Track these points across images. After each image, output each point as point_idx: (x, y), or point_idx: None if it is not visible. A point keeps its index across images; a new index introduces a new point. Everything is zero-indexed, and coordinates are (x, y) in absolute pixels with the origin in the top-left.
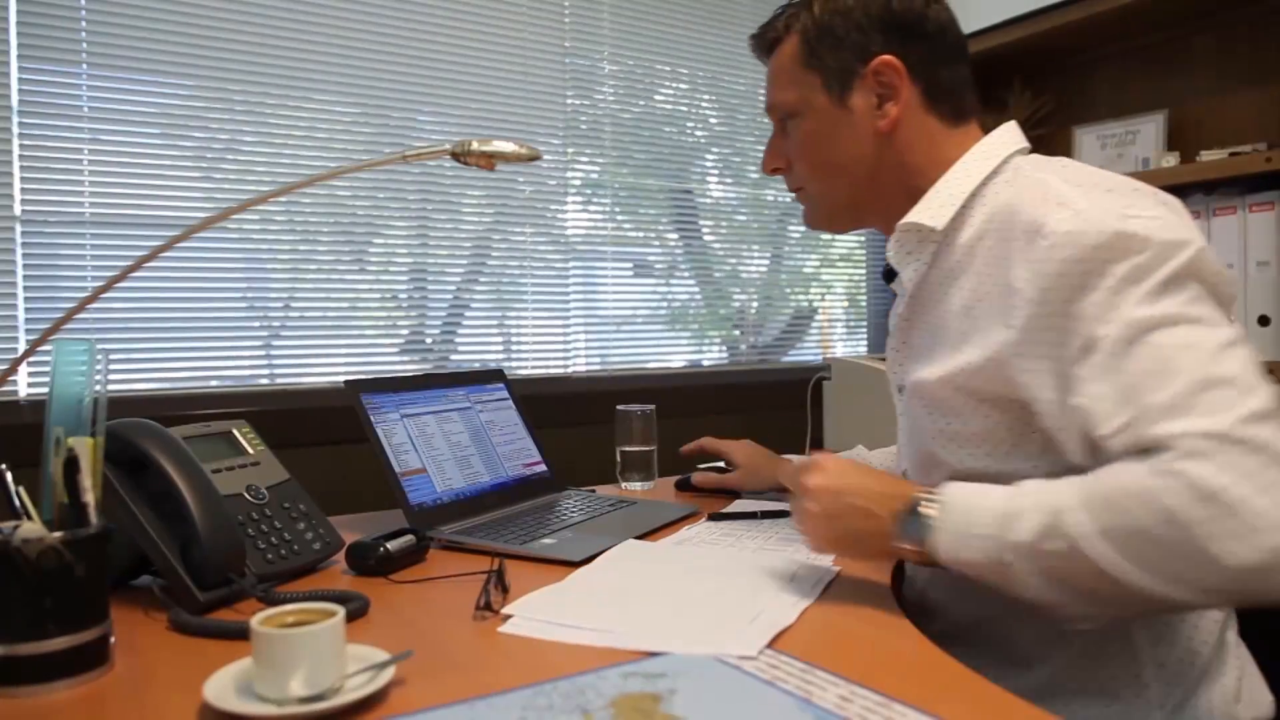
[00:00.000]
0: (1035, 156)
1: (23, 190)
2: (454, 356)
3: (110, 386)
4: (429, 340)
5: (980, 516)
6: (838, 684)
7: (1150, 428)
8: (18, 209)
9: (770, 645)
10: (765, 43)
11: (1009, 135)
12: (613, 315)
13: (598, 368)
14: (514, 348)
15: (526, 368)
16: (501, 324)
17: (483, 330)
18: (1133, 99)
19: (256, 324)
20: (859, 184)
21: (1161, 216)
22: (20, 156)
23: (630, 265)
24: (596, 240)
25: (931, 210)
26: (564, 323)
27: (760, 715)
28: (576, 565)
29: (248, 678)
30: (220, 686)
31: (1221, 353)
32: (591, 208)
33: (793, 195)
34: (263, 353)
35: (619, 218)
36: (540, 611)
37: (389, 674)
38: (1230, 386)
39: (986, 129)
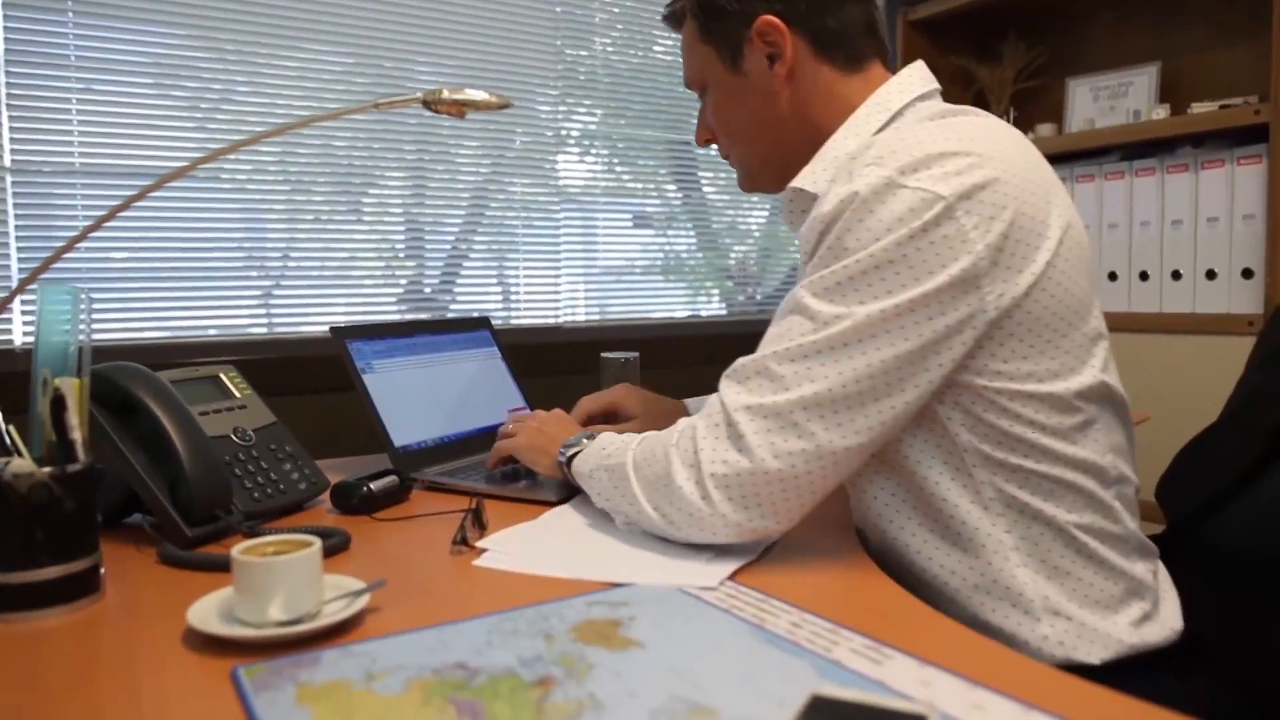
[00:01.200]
0: (928, 105)
1: (11, 140)
2: (454, 306)
3: (108, 335)
4: (428, 290)
5: (602, 443)
6: (790, 611)
7: (723, 379)
8: (7, 159)
9: (731, 578)
10: (671, 21)
11: (909, 81)
12: (610, 266)
13: (596, 318)
14: (511, 298)
15: (523, 318)
16: (500, 275)
17: (479, 281)
18: (1127, 51)
19: (254, 273)
20: (771, 145)
21: (911, 205)
22: (8, 106)
23: (628, 216)
24: (595, 191)
25: (814, 174)
26: (555, 273)
27: (713, 639)
28: (553, 505)
29: (230, 604)
30: (204, 611)
31: (795, 354)
32: (589, 159)
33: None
34: (260, 303)
35: (617, 169)
36: (514, 546)
37: (364, 601)
38: (772, 381)
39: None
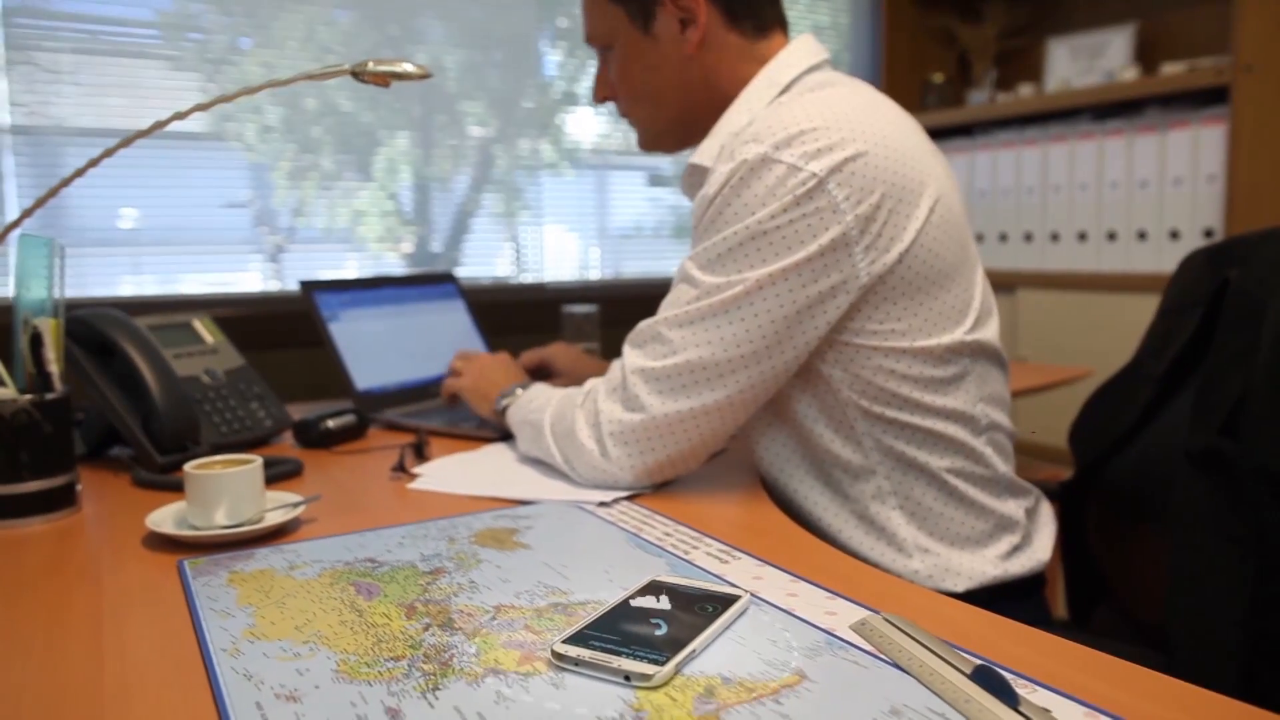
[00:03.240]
0: (815, 77)
1: (11, 101)
2: (464, 262)
3: (116, 291)
4: (435, 248)
5: (530, 397)
6: (666, 524)
7: (626, 341)
8: (7, 119)
9: (629, 499)
10: None
11: (797, 55)
12: (620, 226)
13: (602, 277)
14: (503, 256)
15: (521, 277)
16: (512, 234)
17: (481, 241)
18: (1106, 9)
19: (264, 230)
20: (675, 108)
21: (783, 180)
22: (8, 67)
23: (636, 175)
24: (607, 151)
25: (710, 150)
26: (538, 232)
27: (590, 543)
28: (493, 441)
29: (183, 513)
30: (160, 517)
31: (682, 320)
32: (599, 118)
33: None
34: (271, 260)
35: (625, 129)
36: (445, 472)
37: (299, 511)
38: (663, 345)
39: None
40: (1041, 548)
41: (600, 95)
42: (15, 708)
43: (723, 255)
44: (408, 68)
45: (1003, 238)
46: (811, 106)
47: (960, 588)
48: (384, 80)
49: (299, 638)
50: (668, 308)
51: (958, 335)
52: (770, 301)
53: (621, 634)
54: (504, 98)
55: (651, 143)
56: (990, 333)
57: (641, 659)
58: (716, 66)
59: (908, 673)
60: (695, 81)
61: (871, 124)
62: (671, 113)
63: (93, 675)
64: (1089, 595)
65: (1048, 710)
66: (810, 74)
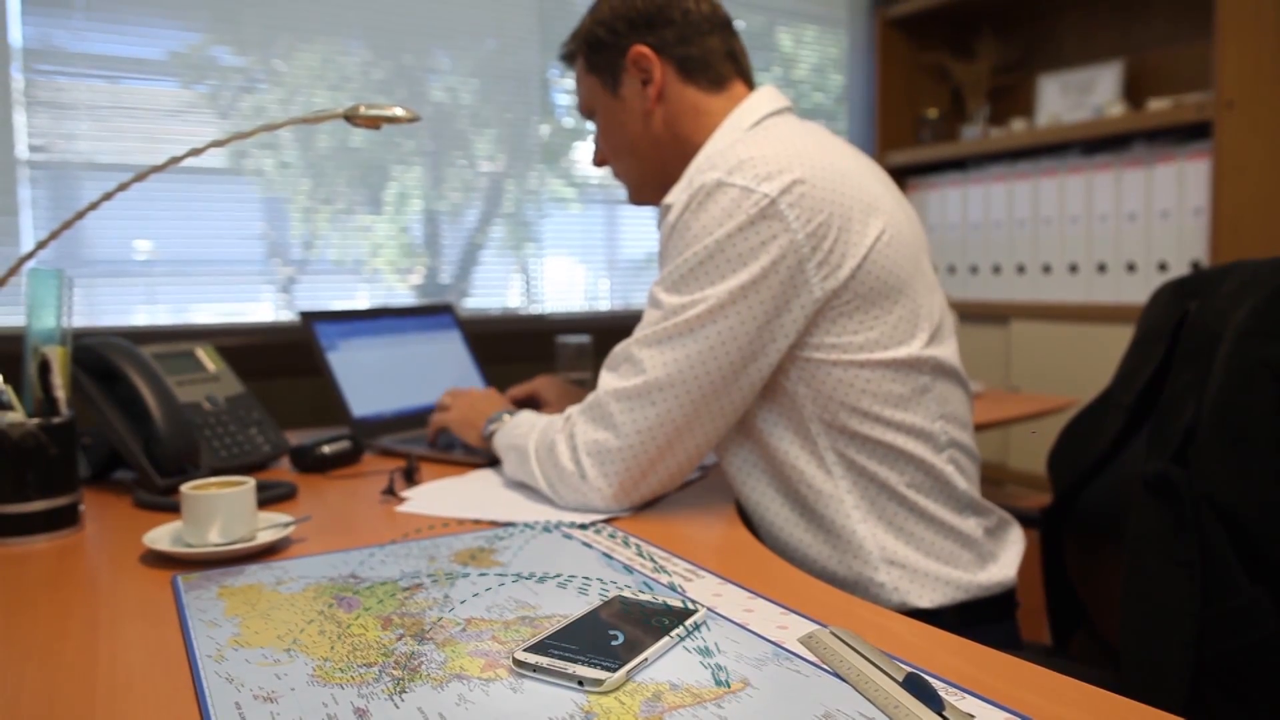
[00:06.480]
0: (774, 120)
1: (30, 135)
2: (473, 294)
3: (128, 321)
4: (446, 279)
5: (516, 423)
6: (640, 545)
7: (603, 366)
8: (25, 154)
9: (607, 522)
10: (567, 60)
11: (758, 103)
12: (631, 258)
13: (621, 307)
14: (532, 289)
15: (538, 308)
16: (521, 266)
17: (495, 273)
18: (1095, 46)
19: (277, 262)
20: (648, 159)
21: (738, 202)
22: (26, 102)
23: (650, 208)
24: (614, 186)
25: (679, 188)
26: (540, 263)
27: (564, 562)
28: (481, 467)
29: (179, 532)
30: (157, 536)
31: (650, 340)
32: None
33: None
34: (283, 290)
35: None
36: (433, 496)
37: (289, 530)
38: (633, 365)
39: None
40: (1005, 565)
41: (597, 159)
42: (14, 707)
43: (684, 276)
44: (398, 112)
45: (996, 269)
46: (763, 141)
47: (927, 602)
48: (375, 124)
49: (280, 645)
50: (639, 329)
51: (914, 349)
52: (732, 318)
53: (580, 644)
54: (514, 131)
55: (637, 195)
56: (947, 352)
57: (596, 666)
58: (678, 117)
59: (845, 680)
60: (663, 134)
61: (813, 155)
62: (648, 165)
63: (86, 678)
64: (1068, 621)
65: (972, 715)
66: (771, 118)
